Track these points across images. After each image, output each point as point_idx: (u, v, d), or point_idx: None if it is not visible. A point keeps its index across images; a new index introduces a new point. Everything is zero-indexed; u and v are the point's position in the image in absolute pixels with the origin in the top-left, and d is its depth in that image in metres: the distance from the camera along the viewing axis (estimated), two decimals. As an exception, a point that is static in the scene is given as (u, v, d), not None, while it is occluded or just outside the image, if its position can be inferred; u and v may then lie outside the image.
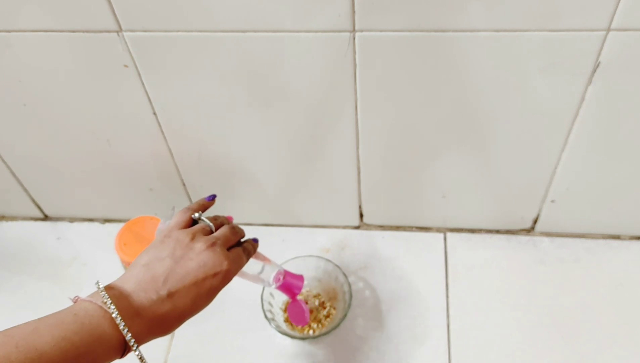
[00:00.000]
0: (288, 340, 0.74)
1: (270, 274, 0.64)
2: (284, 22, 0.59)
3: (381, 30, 0.59)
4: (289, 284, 0.67)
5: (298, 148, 0.74)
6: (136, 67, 0.66)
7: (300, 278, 0.68)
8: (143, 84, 0.68)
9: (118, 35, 0.62)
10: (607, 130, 0.66)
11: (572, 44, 0.58)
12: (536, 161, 0.71)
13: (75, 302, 0.46)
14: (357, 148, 0.73)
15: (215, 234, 0.55)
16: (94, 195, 0.86)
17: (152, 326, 0.47)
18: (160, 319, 0.48)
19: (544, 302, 0.75)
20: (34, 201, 0.89)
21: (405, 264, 0.81)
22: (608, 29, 0.56)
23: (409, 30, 0.58)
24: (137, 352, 0.46)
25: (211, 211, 0.60)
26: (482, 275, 0.79)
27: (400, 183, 0.77)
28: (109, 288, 0.47)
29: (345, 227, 0.86)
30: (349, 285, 0.74)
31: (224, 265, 0.51)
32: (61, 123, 0.74)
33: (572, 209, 0.78)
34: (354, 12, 0.57)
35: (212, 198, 0.61)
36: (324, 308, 0.77)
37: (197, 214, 0.57)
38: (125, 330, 0.44)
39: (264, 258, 0.64)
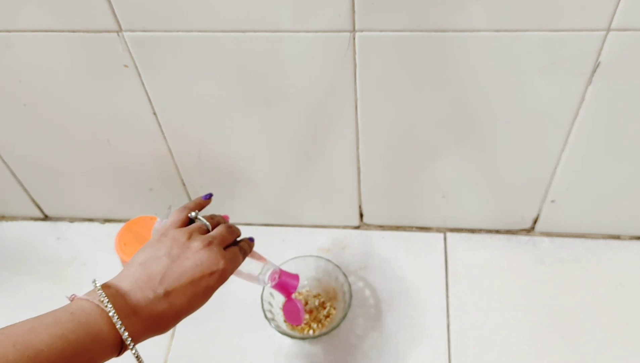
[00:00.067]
0: (288, 340, 0.74)
1: (266, 273, 0.64)
2: (284, 22, 0.59)
3: (381, 30, 0.59)
4: (285, 283, 0.67)
5: (298, 147, 0.74)
6: (136, 67, 0.66)
7: (295, 277, 0.68)
8: (143, 84, 0.68)
9: (118, 35, 0.62)
10: (607, 130, 0.66)
11: (572, 44, 0.58)
12: (536, 161, 0.71)
13: (72, 300, 0.46)
14: (357, 148, 0.73)
15: (211, 233, 0.55)
16: (94, 195, 0.86)
17: (148, 324, 0.47)
18: (157, 318, 0.48)
19: (544, 302, 0.75)
20: (34, 201, 0.89)
21: (405, 264, 0.81)
22: (608, 29, 0.56)
23: (409, 30, 0.58)
24: (133, 351, 0.46)
25: (210, 211, 0.60)
26: (482, 275, 0.79)
27: (400, 183, 0.77)
28: (105, 287, 0.47)
29: (345, 227, 0.86)
30: (349, 285, 0.74)
31: (221, 264, 0.52)
32: (61, 123, 0.74)
33: (572, 209, 0.78)
34: (354, 12, 0.57)
35: (209, 197, 0.61)
36: (324, 308, 0.77)
37: (193, 214, 0.57)
38: (122, 329, 0.45)
39: (259, 257, 0.64)
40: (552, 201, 0.77)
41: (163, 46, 0.63)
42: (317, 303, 0.78)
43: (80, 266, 0.85)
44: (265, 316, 0.72)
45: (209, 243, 0.52)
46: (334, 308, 0.77)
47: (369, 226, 0.86)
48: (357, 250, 0.83)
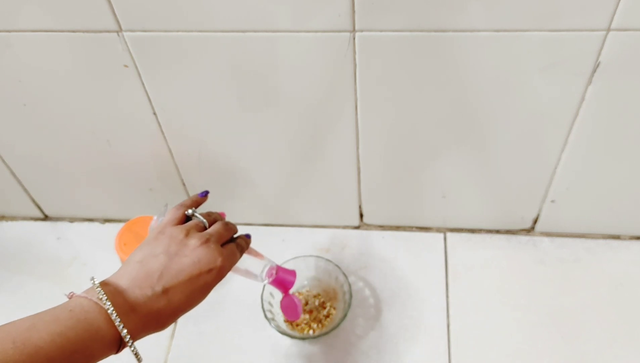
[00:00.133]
0: (288, 340, 0.74)
1: (263, 269, 0.64)
2: (284, 22, 0.59)
3: (381, 30, 0.59)
4: (282, 279, 0.67)
5: (298, 147, 0.74)
6: (136, 67, 0.66)
7: (292, 273, 0.68)
8: (143, 84, 0.68)
9: (118, 35, 0.62)
10: (607, 130, 0.66)
11: (572, 44, 0.58)
12: (536, 161, 0.71)
13: (70, 298, 0.46)
14: (357, 148, 0.73)
15: (208, 230, 0.55)
16: (94, 195, 0.86)
17: (147, 322, 0.47)
18: (155, 315, 0.48)
19: (544, 302, 0.75)
20: (34, 201, 0.89)
21: (405, 264, 0.81)
22: (608, 29, 0.56)
23: (409, 30, 0.58)
24: (132, 348, 0.46)
25: (210, 210, 0.60)
26: (482, 275, 0.79)
27: (400, 183, 0.77)
28: (104, 284, 0.47)
29: (345, 227, 0.86)
30: (349, 285, 0.74)
31: (218, 261, 0.52)
32: (61, 123, 0.74)
33: (572, 209, 0.78)
34: (354, 12, 0.57)
35: (205, 194, 0.62)
36: (324, 308, 0.77)
37: (190, 211, 0.57)
38: (121, 326, 0.45)
39: (256, 254, 0.65)
40: (552, 201, 0.77)
41: (163, 46, 0.63)
42: (317, 303, 0.78)
43: (80, 266, 0.85)
44: (265, 316, 0.72)
45: (207, 241, 0.52)
46: (334, 308, 0.77)
47: (369, 226, 0.86)
48: (357, 250, 0.83)
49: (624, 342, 0.71)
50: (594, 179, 0.73)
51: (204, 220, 0.56)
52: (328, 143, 0.73)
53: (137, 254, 0.51)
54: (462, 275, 0.79)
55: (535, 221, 0.81)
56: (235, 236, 0.59)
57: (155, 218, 0.60)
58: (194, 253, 0.51)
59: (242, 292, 0.79)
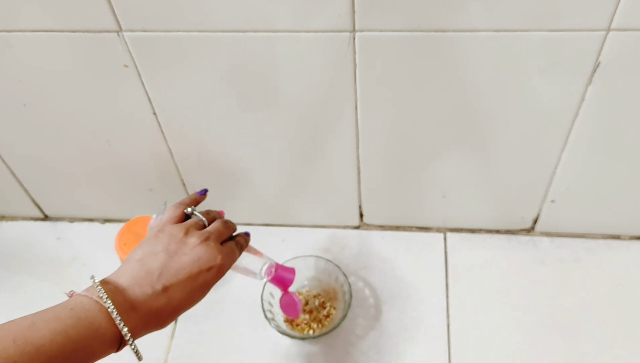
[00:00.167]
0: (288, 340, 0.74)
1: (262, 267, 0.64)
2: (284, 22, 0.59)
3: (381, 30, 0.59)
4: (281, 277, 0.67)
5: (298, 147, 0.74)
6: (136, 67, 0.66)
7: (291, 270, 0.68)
8: (143, 84, 0.68)
9: (118, 35, 0.62)
10: (607, 130, 0.66)
11: (572, 44, 0.58)
12: (536, 161, 0.71)
13: (70, 297, 0.47)
14: (357, 148, 0.73)
15: (208, 228, 0.55)
16: (94, 195, 0.86)
17: (147, 320, 0.47)
18: (156, 313, 0.48)
19: (544, 302, 0.75)
20: (34, 201, 0.89)
21: (405, 264, 0.81)
22: (608, 29, 0.56)
23: (409, 30, 0.58)
24: (132, 346, 0.46)
25: (208, 209, 0.60)
26: (482, 275, 0.79)
27: (400, 183, 0.77)
28: (104, 283, 0.47)
29: (345, 227, 0.86)
30: (349, 285, 0.74)
31: (218, 259, 0.52)
32: (61, 123, 0.74)
33: (572, 209, 0.78)
34: (354, 12, 0.57)
35: (204, 193, 0.62)
36: (324, 308, 0.77)
37: (189, 209, 0.57)
38: (122, 325, 0.45)
39: (255, 252, 0.65)
40: (552, 201, 0.77)
41: (163, 46, 0.63)
42: (317, 303, 0.78)
43: (80, 266, 0.85)
44: (265, 316, 0.72)
45: (206, 239, 0.52)
46: (334, 308, 0.77)
47: (369, 226, 0.86)
48: (357, 250, 0.83)
49: (624, 342, 0.71)
50: (594, 179, 0.73)
51: (203, 218, 0.56)
52: (328, 143, 0.73)
53: (137, 252, 0.51)
54: (462, 275, 0.79)
55: (535, 221, 0.81)
56: (234, 234, 0.59)
57: (154, 216, 0.60)
58: (194, 251, 0.51)
59: (242, 292, 0.79)
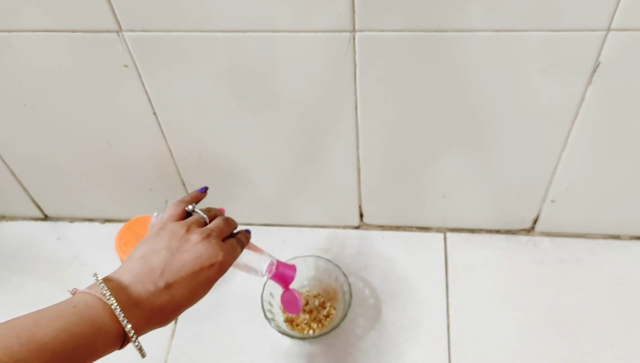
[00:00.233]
0: (288, 340, 0.74)
1: (263, 264, 0.64)
2: (284, 22, 0.59)
3: (381, 30, 0.59)
4: (282, 274, 0.67)
5: (298, 148, 0.74)
6: (136, 67, 0.66)
7: (292, 267, 0.68)
8: (143, 84, 0.68)
9: (118, 35, 0.62)
10: (607, 130, 0.66)
11: (572, 44, 0.58)
12: (536, 161, 0.71)
13: (73, 294, 0.47)
14: (357, 148, 0.73)
15: (209, 226, 0.55)
16: (94, 195, 0.86)
17: (150, 317, 0.48)
18: (159, 310, 0.48)
19: (544, 302, 0.75)
20: (34, 201, 0.89)
21: (405, 264, 0.81)
22: (608, 29, 0.56)
23: (409, 30, 0.58)
24: (136, 343, 0.46)
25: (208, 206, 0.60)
26: (482, 275, 0.79)
27: (400, 183, 0.77)
28: (107, 280, 0.48)
29: (345, 227, 0.86)
30: (349, 285, 0.74)
31: (220, 256, 0.52)
32: (61, 123, 0.74)
33: (572, 209, 0.78)
34: (354, 12, 0.57)
35: (205, 191, 0.62)
36: (324, 308, 0.77)
37: (190, 207, 0.57)
38: (125, 322, 0.45)
39: (256, 249, 0.65)
40: (552, 201, 0.77)
41: (163, 46, 0.63)
42: (317, 303, 0.78)
43: (80, 266, 0.85)
44: (265, 316, 0.72)
45: (208, 236, 0.52)
46: (334, 308, 0.77)
47: (369, 226, 0.86)
48: (357, 250, 0.83)
49: (624, 342, 0.71)
50: (594, 179, 0.73)
51: (205, 216, 0.56)
52: (328, 143, 0.73)
53: (139, 250, 0.51)
54: (462, 275, 0.79)
55: (535, 221, 0.81)
56: (235, 231, 0.59)
57: (155, 214, 0.60)
58: (196, 249, 0.51)
59: (242, 292, 0.79)
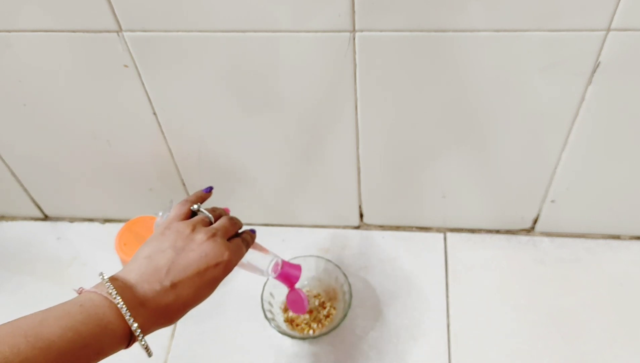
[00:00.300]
0: (288, 340, 0.74)
1: (269, 264, 0.64)
2: (284, 22, 0.59)
3: (381, 30, 0.59)
4: (287, 274, 0.67)
5: (298, 147, 0.74)
6: (136, 67, 0.66)
7: (297, 267, 0.68)
8: (143, 84, 0.68)
9: (118, 35, 0.62)
10: (607, 130, 0.66)
11: (572, 44, 0.58)
12: (536, 161, 0.71)
13: (79, 293, 0.47)
14: (357, 148, 0.73)
15: (214, 225, 0.55)
16: (94, 195, 0.86)
17: (156, 316, 0.48)
18: (165, 309, 0.48)
19: (544, 302, 0.75)
20: (34, 201, 0.89)
21: (405, 264, 0.81)
22: (608, 29, 0.56)
23: (409, 30, 0.58)
24: (142, 342, 0.46)
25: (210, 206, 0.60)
26: (482, 275, 0.79)
27: (400, 183, 0.77)
28: (113, 279, 0.48)
29: (345, 227, 0.86)
30: (349, 285, 0.74)
31: (225, 256, 0.52)
32: (61, 123, 0.74)
33: (572, 209, 0.78)
34: (354, 12, 0.57)
35: (209, 190, 0.62)
36: (324, 308, 0.77)
37: (195, 206, 0.57)
38: (131, 321, 0.45)
39: (261, 249, 0.65)
40: (552, 201, 0.77)
41: (163, 46, 0.63)
42: (317, 303, 0.78)
43: (80, 266, 0.85)
44: (265, 316, 0.72)
45: (213, 235, 0.53)
46: (334, 308, 0.77)
47: (369, 226, 0.86)
48: (357, 250, 0.83)
49: (624, 342, 0.71)
50: (594, 179, 0.73)
51: (210, 215, 0.56)
52: (328, 143, 0.73)
53: (145, 250, 0.51)
54: (462, 275, 0.79)
55: (535, 221, 0.81)
56: (240, 231, 0.59)
57: (160, 214, 0.60)
58: (201, 248, 0.51)
59: (242, 292, 0.79)
